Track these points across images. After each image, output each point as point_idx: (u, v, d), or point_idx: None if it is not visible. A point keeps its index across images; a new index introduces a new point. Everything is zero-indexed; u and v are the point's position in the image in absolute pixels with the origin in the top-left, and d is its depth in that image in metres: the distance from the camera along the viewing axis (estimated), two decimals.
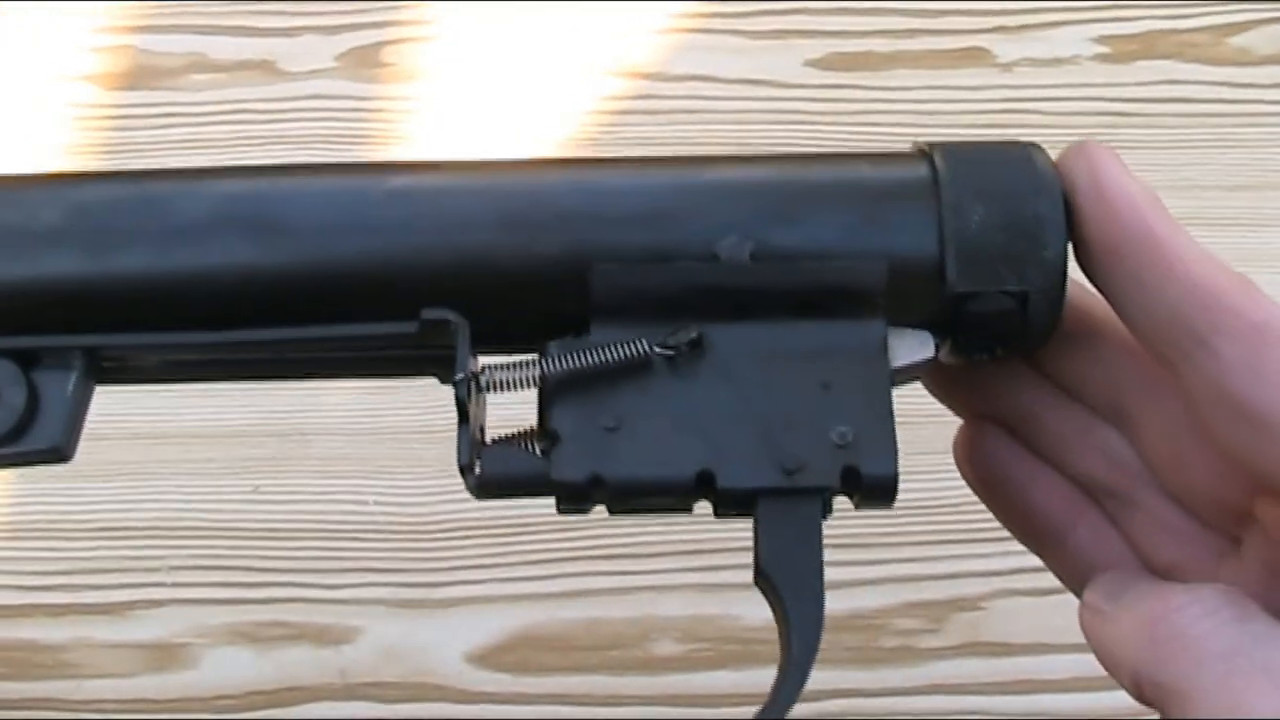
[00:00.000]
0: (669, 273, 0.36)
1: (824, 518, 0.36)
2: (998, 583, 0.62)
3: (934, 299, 0.36)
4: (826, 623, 0.55)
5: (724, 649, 0.61)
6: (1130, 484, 0.38)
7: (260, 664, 0.61)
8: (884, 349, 0.36)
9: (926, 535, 0.63)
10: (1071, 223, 0.36)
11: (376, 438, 0.66)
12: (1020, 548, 0.63)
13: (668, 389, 0.36)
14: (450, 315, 0.36)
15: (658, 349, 0.36)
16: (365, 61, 0.77)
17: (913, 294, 0.36)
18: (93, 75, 0.76)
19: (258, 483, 0.65)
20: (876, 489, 0.36)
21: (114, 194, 0.37)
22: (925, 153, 0.38)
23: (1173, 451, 0.37)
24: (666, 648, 0.61)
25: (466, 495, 0.63)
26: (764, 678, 0.60)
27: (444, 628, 0.61)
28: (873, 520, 0.62)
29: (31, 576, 0.63)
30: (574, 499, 0.36)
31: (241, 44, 0.77)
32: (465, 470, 0.36)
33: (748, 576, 0.63)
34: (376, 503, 0.64)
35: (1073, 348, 0.38)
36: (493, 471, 0.36)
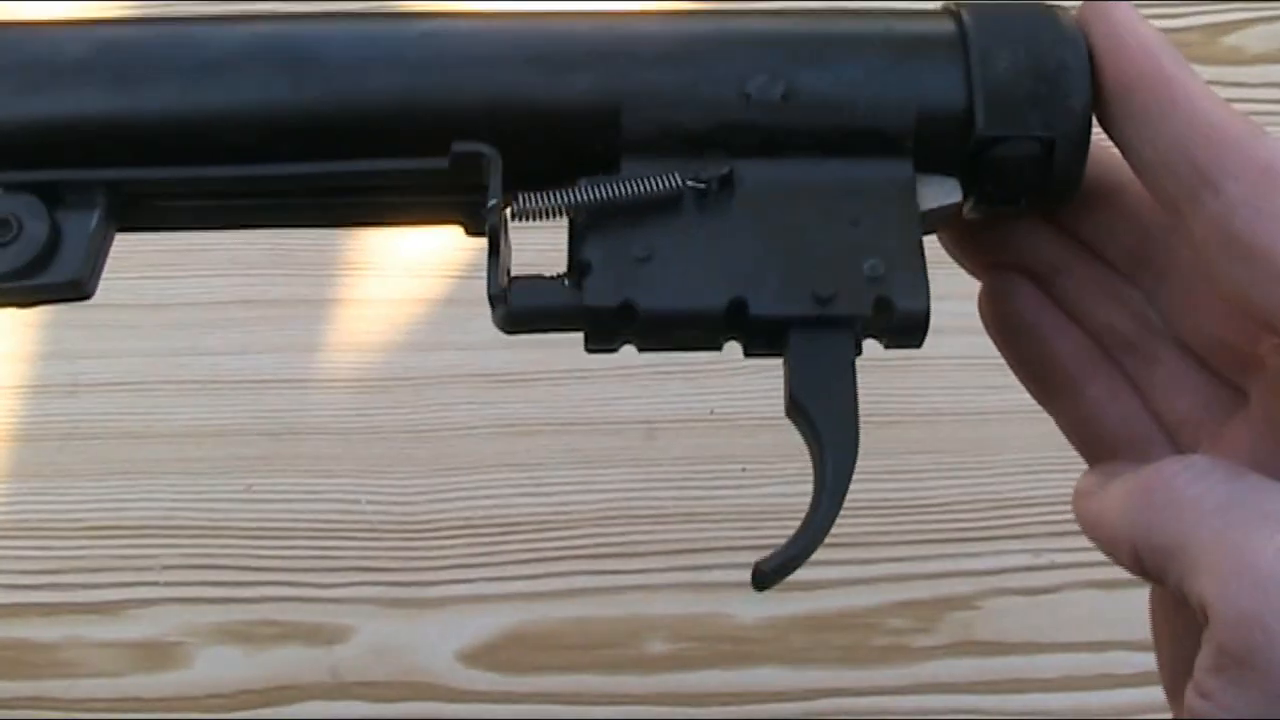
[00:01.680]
0: (700, 110, 0.36)
1: (856, 354, 0.36)
2: (989, 582, 0.62)
3: (962, 144, 0.36)
4: (818, 622, 0.55)
5: (715, 648, 0.61)
6: (1149, 337, 0.39)
7: (252, 663, 0.61)
8: (912, 188, 0.37)
9: (918, 535, 0.63)
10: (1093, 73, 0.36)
11: (368, 437, 0.66)
12: (1012, 547, 0.63)
13: (699, 224, 0.36)
14: (483, 148, 0.36)
15: (689, 182, 0.36)
16: None
17: (941, 139, 0.36)
18: None
19: (249, 482, 0.65)
20: (908, 322, 0.36)
21: (143, 32, 0.37)
22: (953, 11, 0.38)
23: (1187, 300, 0.37)
24: (657, 647, 0.61)
25: (457, 494, 0.64)
26: (756, 677, 0.61)
27: (435, 627, 0.61)
28: (864, 520, 0.62)
29: (23, 575, 0.63)
30: (603, 330, 0.36)
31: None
32: (495, 301, 0.36)
33: (740, 575, 0.63)
34: (368, 502, 0.64)
35: (1093, 205, 0.39)
36: (522, 302, 0.36)
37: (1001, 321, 0.41)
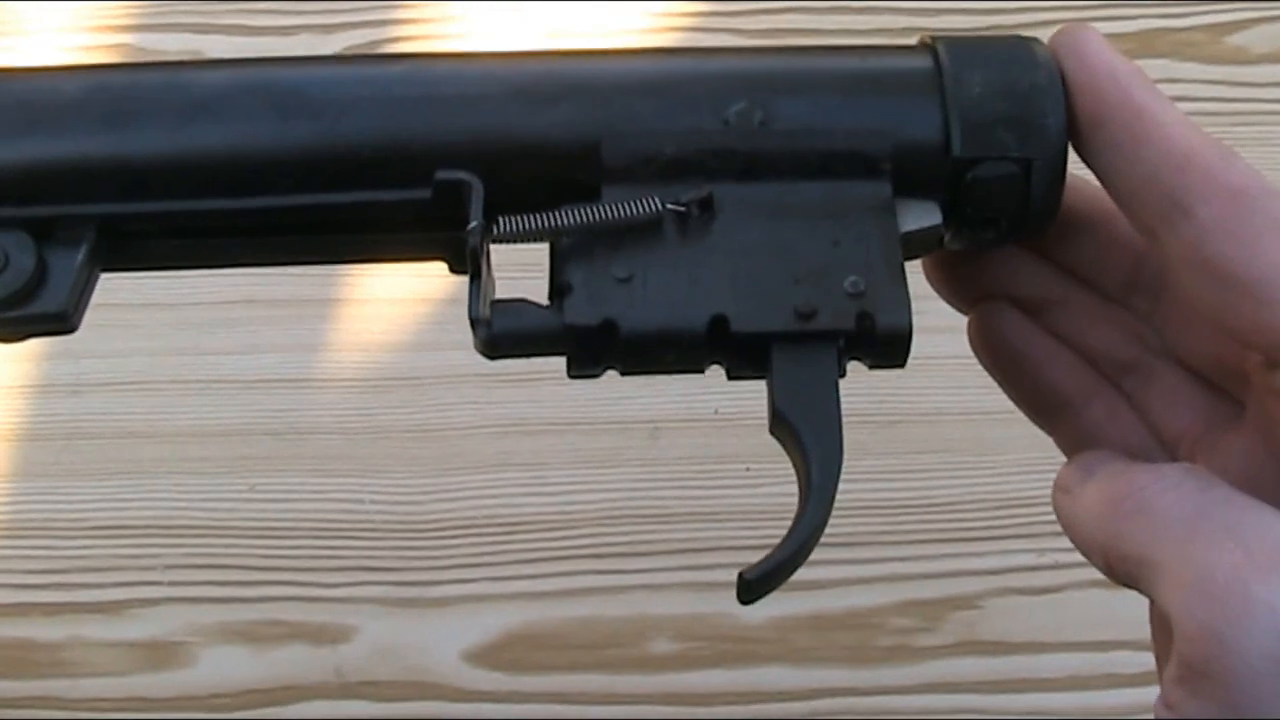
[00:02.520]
0: (680, 137, 0.37)
1: (840, 375, 0.36)
2: (993, 582, 0.62)
3: (939, 168, 0.37)
4: (822, 622, 0.55)
5: (719, 648, 0.61)
6: (1144, 356, 0.39)
7: (256, 663, 0.61)
8: (891, 207, 0.37)
9: (922, 534, 0.63)
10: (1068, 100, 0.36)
11: (372, 436, 0.66)
12: (1016, 547, 0.63)
13: (679, 246, 0.36)
14: (465, 176, 0.36)
15: (669, 205, 0.36)
16: None
17: (918, 164, 0.37)
18: None
19: (253, 481, 0.65)
20: (891, 338, 0.36)
21: (135, 75, 0.38)
22: (928, 44, 0.38)
23: (1183, 319, 0.38)
24: (662, 646, 0.61)
25: (462, 494, 0.64)
26: (760, 676, 0.61)
27: (440, 626, 0.61)
28: (868, 520, 0.62)
29: (27, 575, 0.63)
30: (586, 353, 0.36)
31: (238, 43, 0.77)
32: (476, 325, 0.36)
33: None
34: (372, 501, 0.64)
35: (1080, 234, 0.39)
36: (504, 325, 0.36)
37: (992, 351, 0.41)
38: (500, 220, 0.36)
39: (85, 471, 0.65)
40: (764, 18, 0.78)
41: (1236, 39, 0.78)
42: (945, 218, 0.37)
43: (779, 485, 0.64)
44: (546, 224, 0.36)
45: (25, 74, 0.38)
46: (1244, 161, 0.34)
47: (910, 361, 0.37)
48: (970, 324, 0.41)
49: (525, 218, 0.36)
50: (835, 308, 0.36)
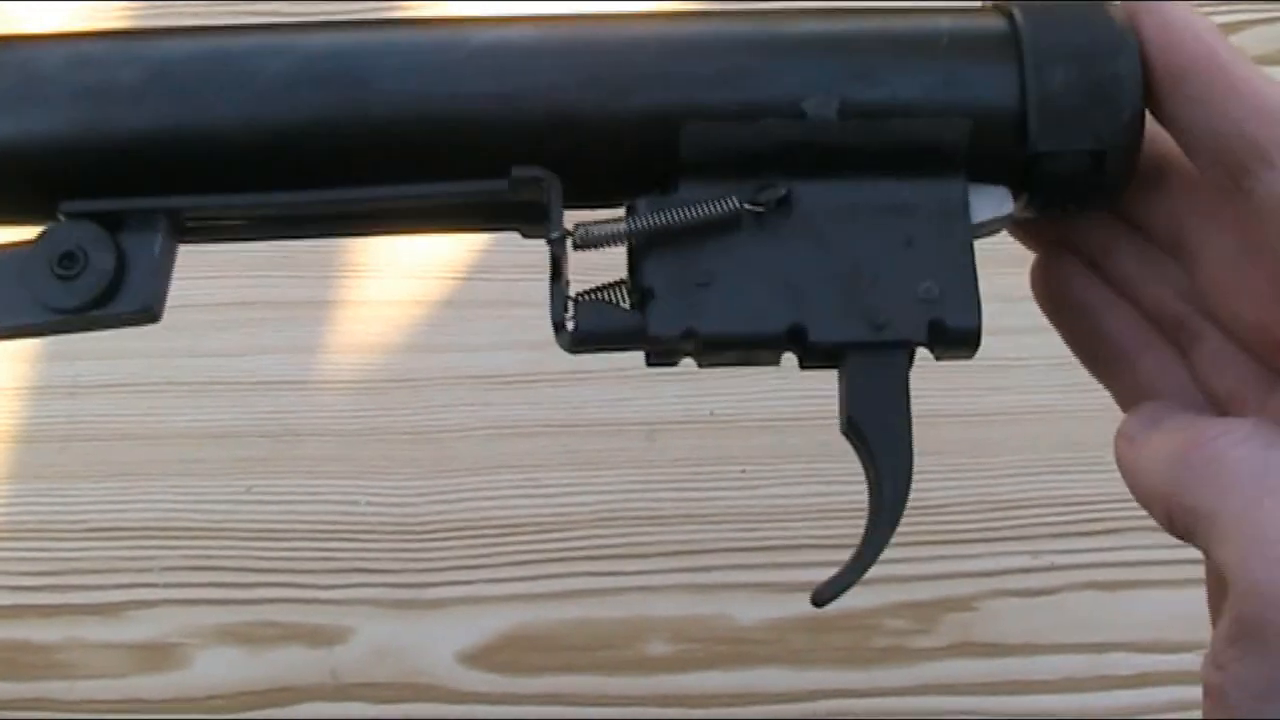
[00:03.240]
0: (757, 130, 0.36)
1: (909, 367, 0.37)
2: (989, 583, 0.62)
3: (1014, 157, 0.37)
4: (818, 624, 0.55)
5: (715, 649, 0.61)
6: (1193, 315, 0.39)
7: (252, 664, 0.61)
8: (965, 206, 0.37)
9: (917, 536, 0.63)
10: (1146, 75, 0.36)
11: (368, 438, 0.66)
12: (1011, 549, 0.63)
13: (756, 246, 0.37)
14: (541, 173, 0.36)
15: (747, 205, 0.36)
16: None
17: (994, 152, 0.37)
18: None
19: (250, 483, 0.65)
20: (960, 341, 0.37)
21: (196, 51, 0.37)
22: (1004, 9, 0.38)
23: (1228, 282, 0.38)
24: (658, 648, 0.61)
25: (458, 496, 0.64)
26: (756, 678, 0.61)
27: (435, 628, 0.61)
28: (863, 522, 0.62)
29: (23, 577, 0.63)
30: (666, 352, 0.37)
31: None
32: (559, 327, 0.36)
33: (740, 577, 0.63)
34: (368, 503, 0.64)
35: (1140, 186, 0.39)
36: (589, 326, 0.36)
37: (1053, 298, 0.41)
38: (581, 228, 0.36)
39: (82, 473, 0.65)
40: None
41: (1234, 41, 0.78)
42: (1014, 197, 0.38)
43: (775, 487, 0.64)
44: (627, 228, 0.36)
45: (73, 45, 0.37)
46: None
47: None
48: (1033, 269, 0.42)
49: (606, 224, 0.36)
50: (908, 316, 0.36)
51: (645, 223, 0.36)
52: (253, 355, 0.68)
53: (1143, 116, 0.36)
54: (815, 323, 0.36)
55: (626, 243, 0.37)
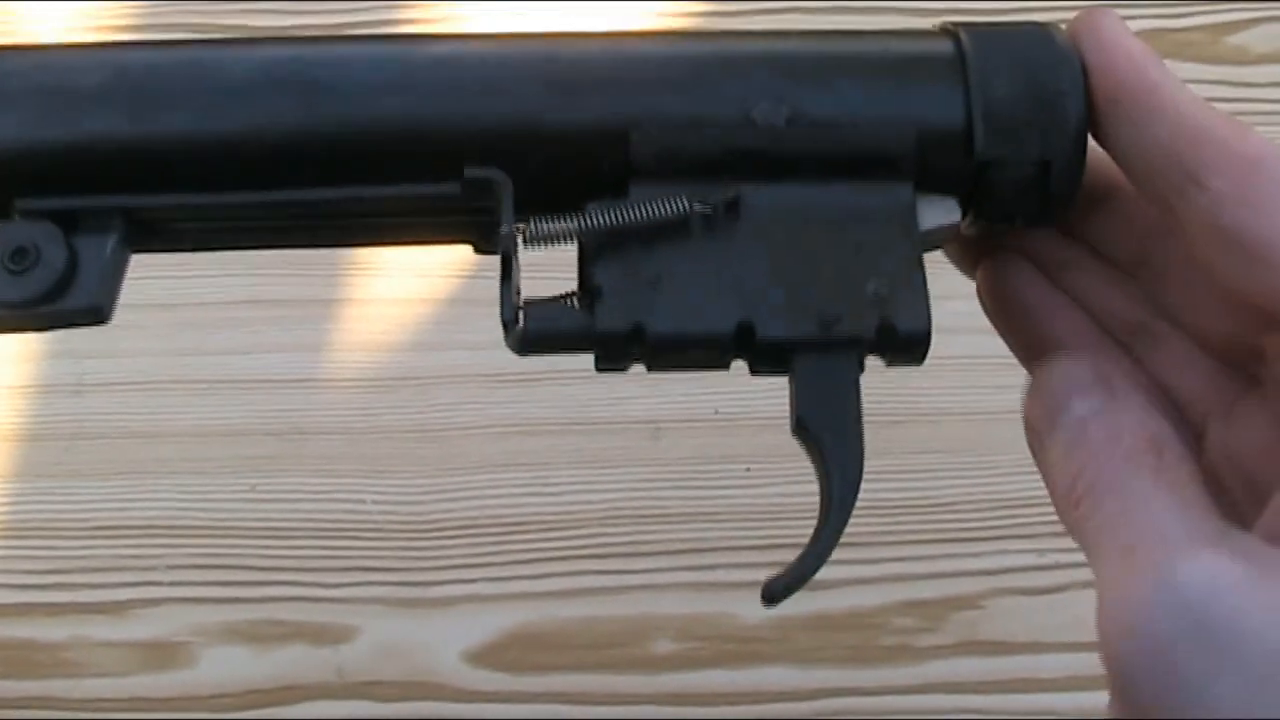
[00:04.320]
0: (707, 136, 0.37)
1: (859, 373, 0.37)
2: (994, 582, 0.62)
3: (960, 166, 0.37)
4: (824, 622, 0.55)
5: (721, 648, 0.61)
6: (1153, 320, 0.39)
7: (258, 663, 0.61)
8: (913, 211, 0.37)
9: (924, 535, 0.63)
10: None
11: (373, 436, 0.66)
12: (1017, 547, 0.63)
13: (705, 247, 0.37)
14: (494, 174, 0.36)
15: (696, 206, 0.37)
16: None
17: (940, 161, 0.37)
18: None
19: (255, 481, 0.65)
20: (910, 343, 0.37)
21: (157, 57, 0.37)
22: (950, 30, 0.39)
23: (1188, 297, 0.38)
24: (663, 647, 0.61)
25: (463, 494, 0.64)
26: (762, 676, 0.61)
27: (441, 626, 0.61)
28: (870, 520, 0.62)
29: (29, 575, 0.63)
30: (614, 353, 0.37)
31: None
32: (508, 325, 0.36)
33: (745, 575, 0.63)
34: (374, 502, 0.64)
35: (1090, 208, 0.39)
36: (537, 326, 0.36)
37: (998, 301, 0.41)
38: (532, 223, 0.37)
39: (88, 472, 0.65)
40: (763, 18, 0.78)
41: (1236, 39, 0.78)
42: (963, 210, 0.38)
43: (780, 485, 0.64)
44: (577, 225, 0.37)
45: (45, 53, 0.38)
46: (1259, 134, 0.34)
47: None
48: (980, 276, 0.42)
49: (556, 220, 0.37)
50: (857, 315, 0.36)
51: (595, 221, 0.36)
52: (259, 354, 0.68)
53: (1085, 128, 0.37)
54: (764, 321, 0.36)
55: (577, 242, 0.37)
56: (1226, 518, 0.33)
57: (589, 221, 0.36)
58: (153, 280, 0.69)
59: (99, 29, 0.77)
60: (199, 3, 0.78)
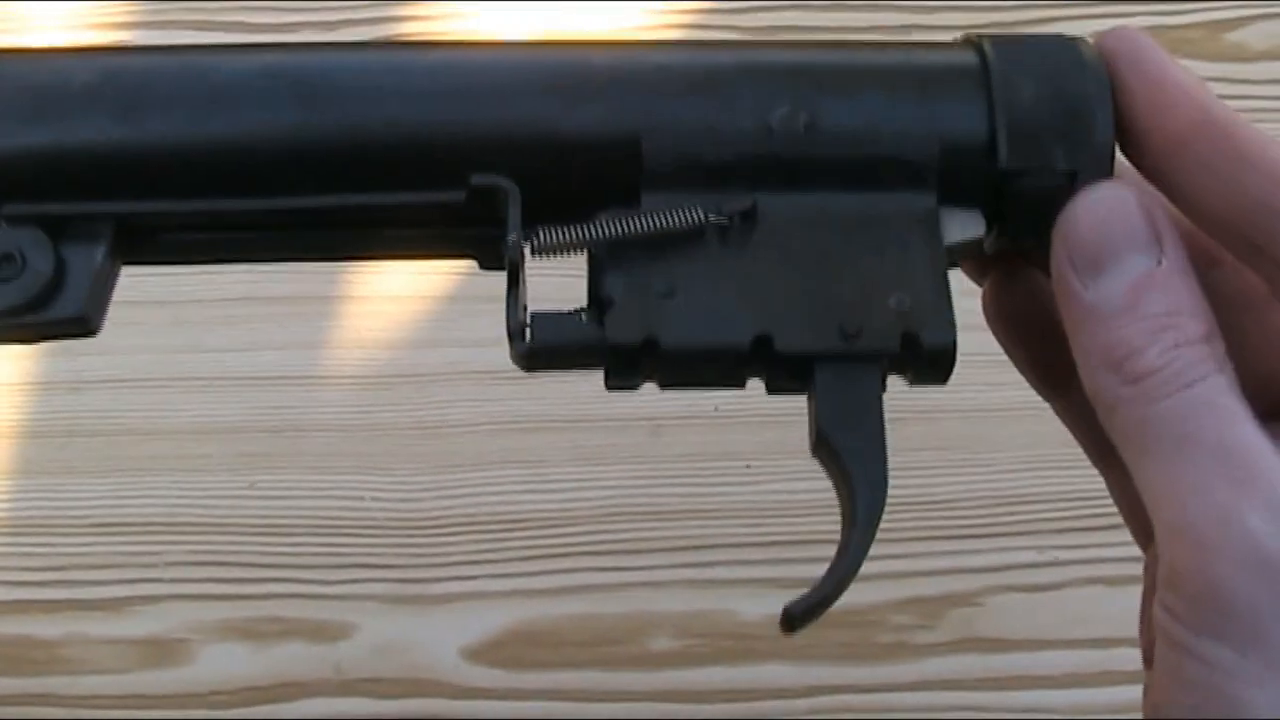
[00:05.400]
0: (722, 142, 0.36)
1: (882, 390, 0.36)
2: (992, 579, 0.62)
3: (985, 177, 0.36)
4: (822, 619, 0.55)
5: (719, 645, 0.61)
6: None
7: (256, 660, 0.61)
8: (936, 223, 0.36)
9: (921, 531, 0.63)
10: (1117, 107, 0.36)
11: (372, 433, 0.66)
12: (1015, 544, 0.63)
13: (721, 258, 0.35)
14: (501, 181, 0.35)
15: (711, 217, 0.35)
16: None
17: (964, 172, 0.36)
18: None
19: (253, 478, 0.65)
20: (935, 357, 0.36)
21: (150, 61, 0.36)
22: (973, 41, 0.38)
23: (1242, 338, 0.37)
24: (662, 644, 0.61)
25: (462, 491, 0.64)
26: (760, 674, 0.61)
27: (439, 624, 0.61)
28: None
29: (27, 572, 0.63)
30: (625, 366, 0.35)
31: (238, 40, 0.77)
32: (514, 337, 0.35)
33: (744, 572, 0.63)
34: (372, 498, 0.64)
35: None
36: (545, 338, 0.35)
37: (1001, 310, 0.41)
38: (540, 231, 0.35)
39: (85, 468, 0.65)
40: (763, 15, 0.78)
41: (1235, 36, 0.78)
42: (987, 223, 0.37)
43: (779, 483, 0.64)
44: (587, 235, 0.35)
45: (34, 58, 0.37)
46: None
47: None
48: (986, 291, 0.41)
49: (564, 229, 0.35)
50: (880, 327, 0.35)
51: (606, 230, 0.35)
52: (257, 350, 0.68)
53: (1113, 139, 0.36)
54: (782, 333, 0.35)
55: (587, 253, 0.36)
56: None
57: (600, 232, 0.35)
58: (150, 277, 0.69)
59: (99, 25, 0.77)
60: (199, 1, 0.78)
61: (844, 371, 0.35)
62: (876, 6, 0.78)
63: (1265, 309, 0.36)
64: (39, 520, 0.64)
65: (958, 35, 0.39)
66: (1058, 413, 0.41)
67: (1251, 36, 0.78)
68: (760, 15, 0.78)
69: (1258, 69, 0.77)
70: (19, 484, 0.65)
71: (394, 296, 0.70)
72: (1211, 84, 0.77)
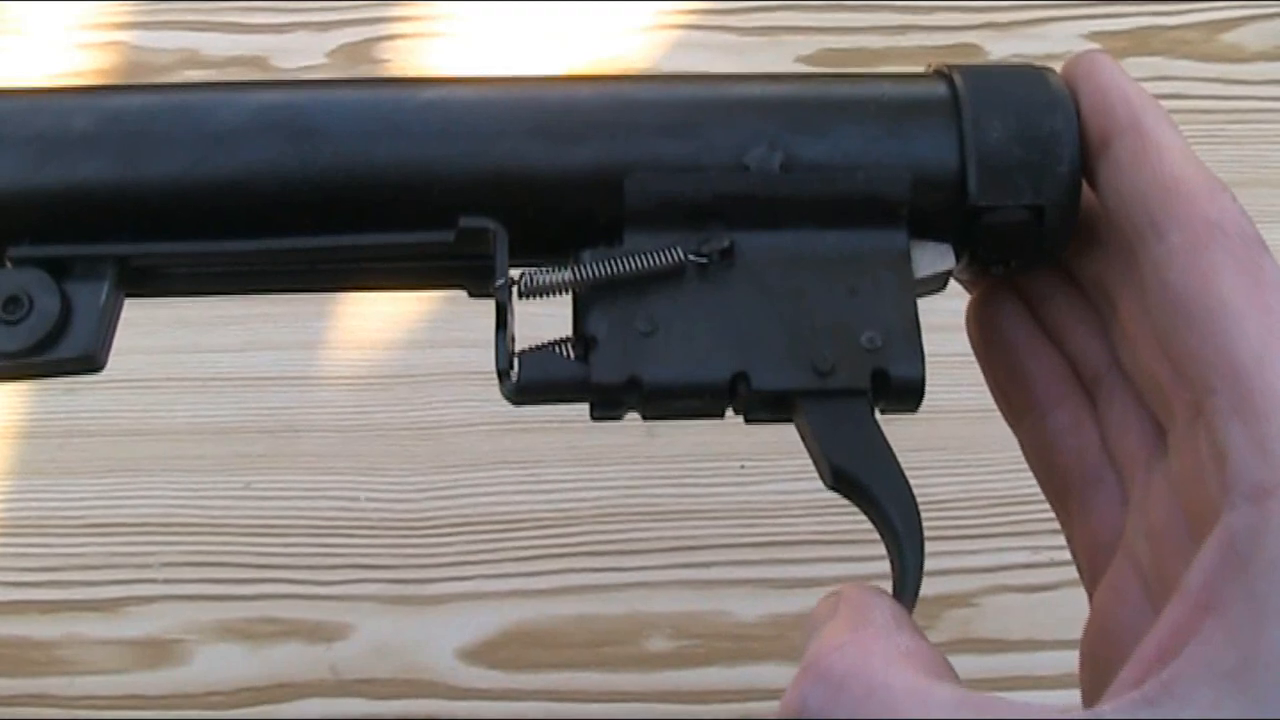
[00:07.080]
0: (701, 182, 0.37)
1: (872, 413, 0.37)
2: (989, 579, 0.62)
3: (955, 212, 0.37)
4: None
5: (715, 645, 0.61)
6: (1112, 371, 0.39)
7: (252, 660, 0.61)
8: (907, 257, 0.37)
9: None
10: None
11: (368, 434, 0.66)
12: (1011, 544, 0.63)
13: (700, 295, 0.37)
14: (489, 223, 0.36)
15: (691, 256, 0.37)
16: (357, 58, 0.77)
17: (934, 206, 0.37)
18: (83, 72, 0.76)
19: (249, 479, 0.65)
20: (904, 391, 0.37)
21: (148, 102, 0.37)
22: (944, 73, 0.39)
23: (1131, 334, 0.37)
24: (658, 644, 0.61)
25: (458, 491, 0.64)
26: (756, 674, 0.61)
27: (435, 624, 0.61)
28: (863, 517, 0.62)
29: (23, 573, 0.63)
30: (610, 402, 0.37)
31: (233, 40, 0.77)
32: (503, 375, 0.36)
33: (739, 573, 0.63)
34: (368, 499, 0.64)
35: (1075, 238, 0.39)
36: (531, 376, 0.36)
37: (983, 331, 0.41)
38: (526, 275, 0.37)
39: (81, 469, 0.65)
40: (759, 15, 0.78)
41: (1230, 37, 0.78)
42: (956, 254, 0.38)
43: (774, 483, 0.64)
44: (572, 277, 0.37)
45: (34, 99, 0.37)
46: (1233, 201, 0.34)
47: None
48: (970, 304, 0.42)
49: (551, 272, 0.37)
50: (852, 364, 0.36)
51: (590, 272, 0.36)
52: (253, 351, 0.68)
53: (1079, 173, 0.37)
54: (759, 371, 0.36)
55: (571, 293, 0.37)
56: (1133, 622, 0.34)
57: (584, 273, 0.36)
58: None
59: (97, 26, 0.77)
60: (195, 1, 0.78)
61: (830, 405, 0.36)
62: (872, 7, 0.78)
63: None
64: (35, 521, 0.64)
65: (928, 66, 0.40)
66: (1019, 441, 0.42)
67: (1248, 37, 0.78)
68: (756, 16, 0.78)
69: (1253, 69, 0.77)
70: (16, 484, 0.65)
71: (390, 298, 0.70)
72: (1207, 84, 0.77)
